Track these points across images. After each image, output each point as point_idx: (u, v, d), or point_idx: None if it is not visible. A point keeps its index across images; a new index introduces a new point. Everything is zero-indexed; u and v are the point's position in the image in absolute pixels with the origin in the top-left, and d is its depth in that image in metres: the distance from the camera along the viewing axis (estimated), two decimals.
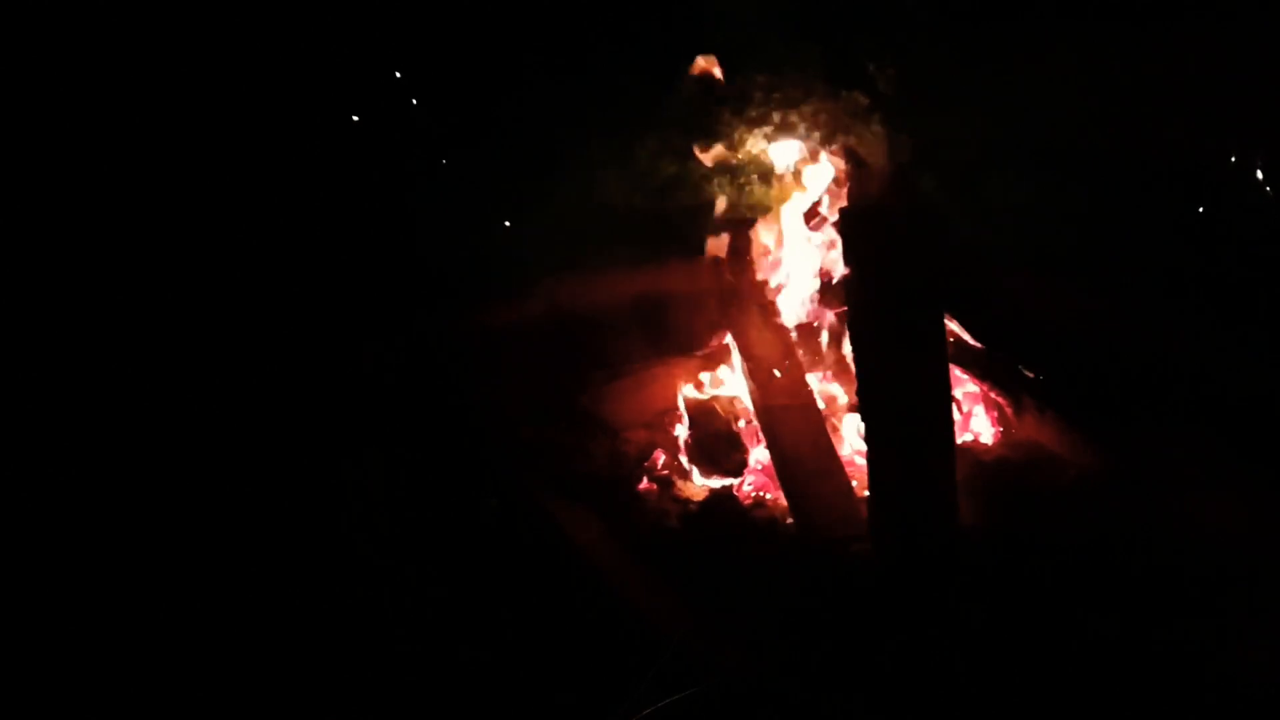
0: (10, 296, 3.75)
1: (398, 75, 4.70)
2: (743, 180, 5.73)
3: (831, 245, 3.65)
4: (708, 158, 4.76)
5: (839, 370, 3.66)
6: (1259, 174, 4.06)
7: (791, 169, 5.59)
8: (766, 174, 5.76)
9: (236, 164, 4.25)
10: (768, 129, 5.83)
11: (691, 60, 5.87)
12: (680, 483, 3.55)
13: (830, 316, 3.68)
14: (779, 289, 3.72)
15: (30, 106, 4.03)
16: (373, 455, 3.51)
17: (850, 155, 3.58)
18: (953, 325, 3.53)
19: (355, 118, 4.60)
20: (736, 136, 5.87)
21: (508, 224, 4.61)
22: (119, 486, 3.32)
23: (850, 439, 3.57)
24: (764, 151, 5.79)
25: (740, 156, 5.83)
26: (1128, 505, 3.24)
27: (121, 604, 2.99)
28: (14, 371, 3.55)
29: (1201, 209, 4.14)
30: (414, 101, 4.71)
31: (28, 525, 3.18)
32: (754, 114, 5.86)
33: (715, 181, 5.68)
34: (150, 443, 3.46)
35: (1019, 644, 2.86)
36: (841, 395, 3.66)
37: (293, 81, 4.42)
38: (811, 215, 3.57)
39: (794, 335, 3.59)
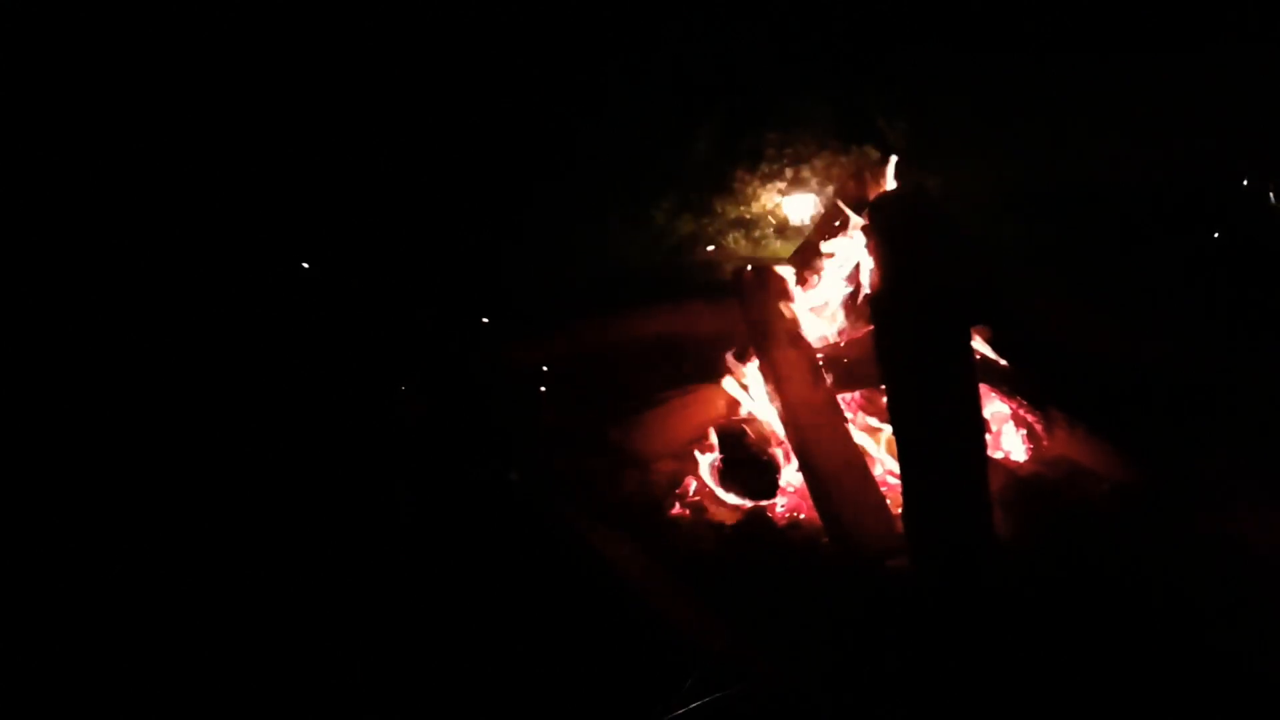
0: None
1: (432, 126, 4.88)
2: (758, 233, 5.92)
3: (856, 264, 3.71)
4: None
5: (868, 388, 3.67)
6: (1271, 196, 4.14)
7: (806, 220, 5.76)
8: (782, 226, 5.94)
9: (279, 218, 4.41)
10: (781, 184, 6.04)
11: (706, 119, 6.11)
12: (713, 507, 3.53)
13: (857, 334, 3.71)
14: (805, 310, 3.75)
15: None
16: (405, 484, 3.53)
17: (870, 178, 3.66)
18: (979, 343, 3.55)
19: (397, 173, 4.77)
20: (751, 191, 6.07)
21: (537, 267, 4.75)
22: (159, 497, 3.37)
23: (883, 457, 3.57)
24: (779, 205, 5.99)
25: (755, 210, 6.02)
26: (1163, 519, 3.22)
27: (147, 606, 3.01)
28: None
29: (1218, 232, 4.22)
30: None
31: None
32: (768, 169, 6.07)
33: (730, 236, 5.86)
34: (182, 459, 3.51)
35: (1056, 658, 2.82)
36: (872, 414, 3.68)
37: (333, 127, 4.62)
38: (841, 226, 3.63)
39: (821, 355, 3.61)
